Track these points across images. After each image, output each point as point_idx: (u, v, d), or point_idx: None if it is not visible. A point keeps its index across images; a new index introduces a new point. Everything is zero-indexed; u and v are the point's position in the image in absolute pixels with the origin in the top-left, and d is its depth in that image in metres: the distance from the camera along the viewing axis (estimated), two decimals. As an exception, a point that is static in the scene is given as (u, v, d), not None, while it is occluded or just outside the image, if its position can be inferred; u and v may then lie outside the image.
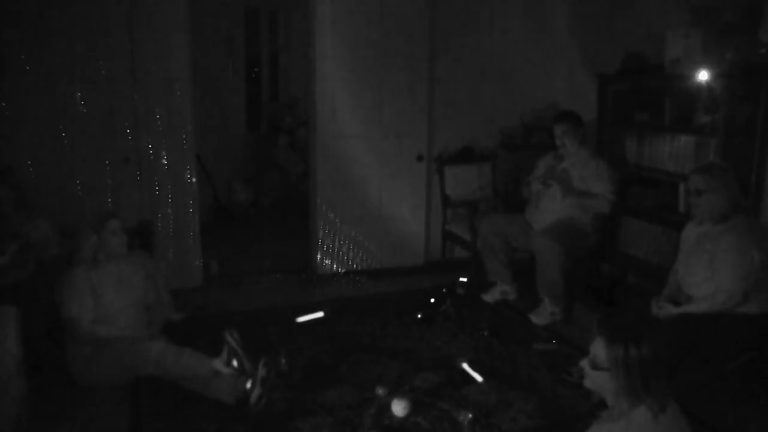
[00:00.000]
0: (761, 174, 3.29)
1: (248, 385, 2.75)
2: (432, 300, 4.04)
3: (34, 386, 2.70)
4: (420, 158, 4.73)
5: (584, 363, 1.84)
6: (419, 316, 3.83)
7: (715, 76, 3.31)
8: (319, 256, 4.67)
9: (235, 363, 2.82)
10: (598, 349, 1.79)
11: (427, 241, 4.94)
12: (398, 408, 2.71)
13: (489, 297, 4.17)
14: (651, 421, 1.70)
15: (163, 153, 4.13)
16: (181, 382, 2.86)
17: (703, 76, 3.35)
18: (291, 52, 7.31)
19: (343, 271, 4.73)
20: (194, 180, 4.27)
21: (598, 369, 1.79)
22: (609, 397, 1.81)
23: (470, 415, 2.69)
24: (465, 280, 4.30)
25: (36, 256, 3.37)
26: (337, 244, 4.68)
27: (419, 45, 4.56)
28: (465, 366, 3.15)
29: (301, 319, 3.77)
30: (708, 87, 3.38)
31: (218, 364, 2.82)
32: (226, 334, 2.89)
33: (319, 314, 3.82)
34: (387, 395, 2.84)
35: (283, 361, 3.04)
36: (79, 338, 2.96)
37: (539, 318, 3.83)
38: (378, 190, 4.69)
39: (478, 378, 3.07)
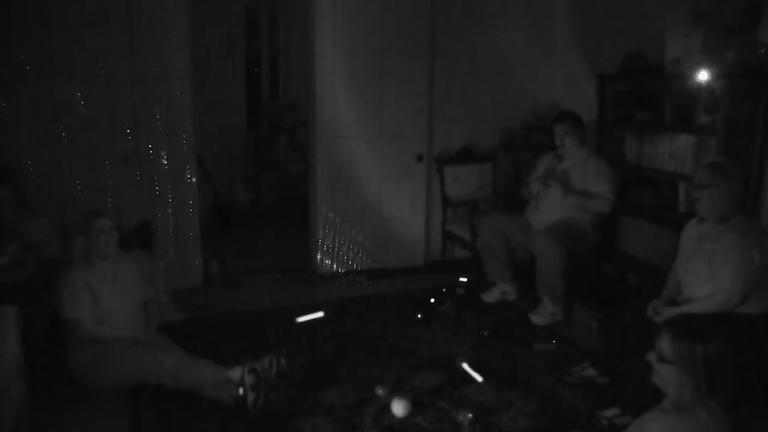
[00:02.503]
0: (761, 174, 3.29)
1: (240, 392, 2.74)
2: (432, 300, 4.04)
3: (34, 386, 2.70)
4: (420, 158, 4.73)
5: (651, 357, 1.85)
6: (419, 316, 3.83)
7: (715, 76, 3.31)
8: (319, 256, 4.67)
9: (250, 381, 2.77)
10: (664, 342, 1.81)
11: (427, 241, 4.94)
12: (398, 408, 2.71)
13: (489, 297, 4.17)
14: (714, 420, 1.71)
15: (163, 153, 4.13)
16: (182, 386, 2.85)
17: (703, 76, 3.35)
18: (291, 52, 7.31)
19: (343, 271, 4.73)
20: (194, 180, 4.27)
21: (664, 362, 1.80)
22: (673, 392, 1.82)
23: (470, 415, 2.69)
24: (465, 280, 4.31)
25: (36, 256, 3.37)
26: (337, 244, 4.68)
27: (419, 45, 4.56)
28: (465, 366, 3.15)
29: (301, 319, 3.78)
30: (708, 87, 3.38)
31: (235, 374, 2.79)
32: (269, 361, 2.91)
33: (319, 314, 3.83)
34: (387, 395, 2.84)
35: (283, 361, 3.04)
36: (81, 339, 2.94)
37: (539, 318, 3.83)
38: (378, 190, 4.69)
39: (478, 378, 3.07)
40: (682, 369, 1.75)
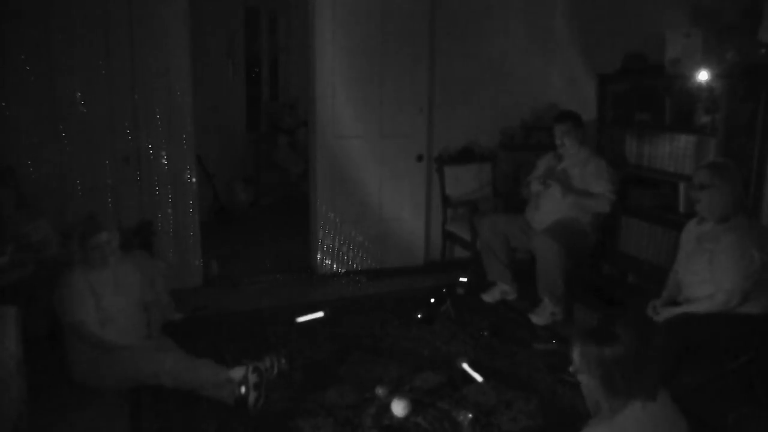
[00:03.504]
0: (761, 174, 3.29)
1: (242, 390, 2.74)
2: (432, 300, 4.04)
3: (34, 386, 2.70)
4: (420, 158, 4.73)
5: (572, 369, 1.79)
6: (419, 316, 3.83)
7: (715, 76, 3.31)
8: (319, 256, 4.67)
9: (253, 380, 2.77)
10: (575, 353, 1.76)
11: (427, 241, 4.94)
12: (398, 408, 2.71)
13: (489, 297, 4.17)
14: (639, 414, 1.66)
15: (163, 153, 4.13)
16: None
17: (703, 76, 3.35)
18: (291, 52, 7.31)
19: (343, 271, 4.73)
20: (194, 180, 4.27)
21: (578, 373, 1.75)
22: (589, 401, 1.78)
23: (470, 415, 2.69)
24: (465, 280, 4.30)
25: (36, 257, 3.37)
26: (337, 244, 4.68)
27: (419, 45, 4.57)
28: (465, 366, 3.15)
29: (301, 319, 3.77)
30: (708, 87, 3.38)
31: (236, 373, 2.78)
32: (271, 361, 2.92)
33: (319, 314, 3.82)
34: (387, 395, 2.84)
35: (283, 361, 3.04)
36: (86, 342, 2.93)
37: (539, 318, 3.83)
38: (378, 190, 4.69)
39: (478, 378, 3.07)
40: (593, 375, 1.70)
